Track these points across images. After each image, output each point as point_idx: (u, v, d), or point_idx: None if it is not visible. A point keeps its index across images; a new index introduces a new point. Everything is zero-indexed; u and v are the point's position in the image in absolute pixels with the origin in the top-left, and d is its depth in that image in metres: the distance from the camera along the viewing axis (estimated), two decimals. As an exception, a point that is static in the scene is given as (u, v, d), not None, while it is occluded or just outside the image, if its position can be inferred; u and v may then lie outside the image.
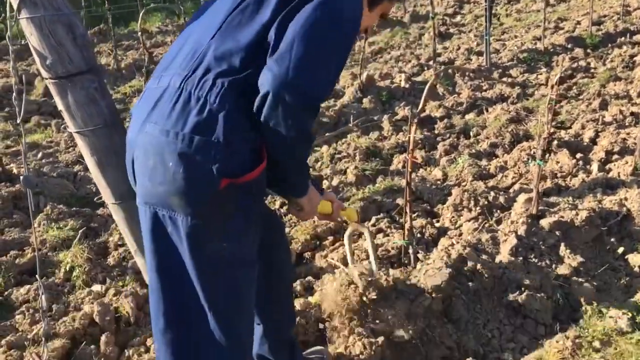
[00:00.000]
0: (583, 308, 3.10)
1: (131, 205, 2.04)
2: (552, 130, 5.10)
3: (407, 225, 3.03)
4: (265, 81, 1.55)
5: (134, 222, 2.06)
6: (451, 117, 6.11)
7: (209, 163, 1.59)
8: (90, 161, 2.00)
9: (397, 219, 4.02)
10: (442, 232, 3.81)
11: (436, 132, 5.76)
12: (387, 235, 3.79)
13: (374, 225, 3.90)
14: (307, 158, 1.84)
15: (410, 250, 3.08)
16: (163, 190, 1.64)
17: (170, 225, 1.70)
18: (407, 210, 3.01)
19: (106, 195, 2.05)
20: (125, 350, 2.81)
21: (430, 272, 2.93)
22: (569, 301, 3.18)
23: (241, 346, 1.94)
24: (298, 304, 2.94)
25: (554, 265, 3.39)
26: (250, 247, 1.85)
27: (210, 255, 1.72)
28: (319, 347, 2.62)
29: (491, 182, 4.48)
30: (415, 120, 2.82)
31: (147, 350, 2.78)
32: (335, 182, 4.68)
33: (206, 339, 1.82)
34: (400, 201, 4.15)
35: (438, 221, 4.01)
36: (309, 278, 3.34)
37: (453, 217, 3.91)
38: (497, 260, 3.37)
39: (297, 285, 3.20)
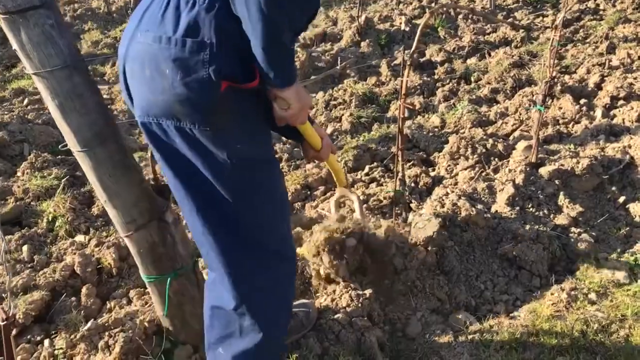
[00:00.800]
0: (580, 259, 3.00)
1: (98, 153, 1.92)
2: (555, 74, 4.90)
3: (399, 175, 2.89)
4: None
5: (102, 170, 1.93)
6: (452, 61, 5.89)
7: (205, 66, 1.52)
8: (51, 105, 1.85)
9: (392, 167, 3.89)
10: (437, 181, 3.68)
11: (436, 77, 5.55)
12: (381, 185, 3.67)
13: (367, 174, 3.77)
14: (288, 35, 1.54)
15: (402, 201, 2.96)
16: (164, 99, 1.58)
17: (177, 136, 1.64)
18: (399, 159, 2.87)
19: (71, 142, 1.91)
20: (107, 302, 2.74)
21: (420, 224, 2.82)
22: (566, 252, 3.08)
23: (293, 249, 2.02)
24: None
25: (552, 215, 3.27)
26: (270, 145, 1.85)
27: (229, 160, 1.67)
28: (304, 300, 2.53)
29: (490, 129, 4.32)
30: (409, 64, 2.65)
31: (129, 302, 2.71)
32: (329, 129, 4.53)
33: (265, 250, 1.86)
34: (395, 149, 4.01)
35: (434, 170, 3.87)
36: (298, 229, 3.23)
37: (449, 165, 3.77)
38: (492, 210, 3.25)
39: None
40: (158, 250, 2.12)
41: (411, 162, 3.90)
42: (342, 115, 4.71)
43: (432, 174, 3.78)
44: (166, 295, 2.17)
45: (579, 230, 3.18)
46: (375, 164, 3.89)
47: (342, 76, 5.71)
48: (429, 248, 2.78)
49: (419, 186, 3.58)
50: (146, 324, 2.31)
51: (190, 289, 2.25)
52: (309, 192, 3.61)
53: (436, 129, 4.42)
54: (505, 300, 2.82)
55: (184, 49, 1.50)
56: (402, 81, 2.65)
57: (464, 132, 4.24)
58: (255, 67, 1.57)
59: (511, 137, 4.13)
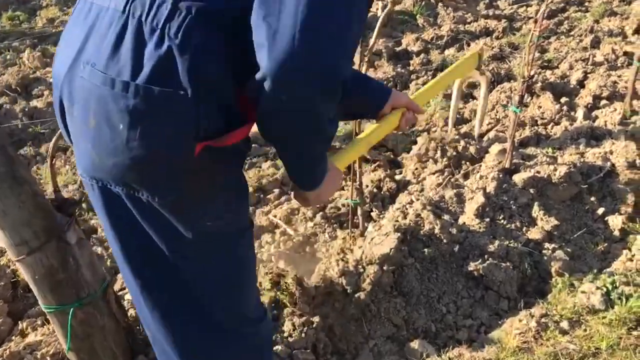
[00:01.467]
0: (553, 280, 2.73)
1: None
2: (535, 71, 4.61)
3: (356, 183, 2.59)
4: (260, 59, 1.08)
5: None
6: (429, 52, 5.57)
7: (177, 123, 1.14)
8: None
9: (355, 169, 3.57)
10: (403, 186, 3.38)
11: (411, 68, 5.23)
12: (342, 189, 3.36)
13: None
14: (326, 149, 1.33)
15: (359, 212, 2.66)
16: (115, 162, 1.19)
17: (129, 204, 1.28)
18: (357, 167, 2.56)
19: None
20: (20, 322, 2.41)
21: (377, 239, 2.52)
22: (538, 271, 2.81)
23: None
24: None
25: (524, 229, 2.99)
26: (247, 208, 1.48)
27: (196, 236, 1.31)
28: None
29: (464, 128, 4.02)
30: (367, 59, 2.33)
31: (45, 323, 2.38)
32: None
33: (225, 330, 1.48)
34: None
35: (401, 173, 3.57)
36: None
37: (416, 169, 3.47)
38: (460, 221, 2.96)
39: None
40: (57, 276, 1.80)
41: (376, 164, 3.60)
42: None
43: (397, 177, 3.48)
44: (68, 327, 1.86)
45: (553, 245, 2.91)
46: (337, 164, 3.56)
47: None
48: (385, 267, 2.49)
49: (382, 192, 3.28)
50: (48, 358, 1.99)
51: (100, 319, 1.94)
52: (261, 196, 3.29)
53: (406, 128, 4.09)
54: (469, 325, 2.55)
55: (147, 100, 1.11)
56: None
57: (435, 131, 3.94)
58: (241, 112, 1.22)
59: (486, 138, 3.83)
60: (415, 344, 2.37)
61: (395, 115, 1.70)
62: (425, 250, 2.68)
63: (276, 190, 3.31)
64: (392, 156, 3.76)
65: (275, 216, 3.00)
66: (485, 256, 2.74)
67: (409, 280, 2.56)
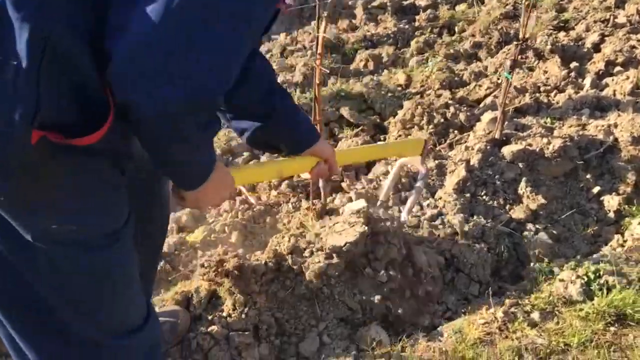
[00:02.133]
0: (530, 265, 2.51)
1: None
2: (546, 32, 4.26)
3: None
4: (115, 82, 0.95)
5: None
6: (438, 7, 5.22)
7: (6, 103, 0.92)
8: None
9: (336, 133, 3.35)
10: (384, 153, 3.15)
11: (416, 24, 4.91)
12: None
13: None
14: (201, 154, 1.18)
15: (321, 184, 2.45)
16: None
17: None
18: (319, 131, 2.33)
19: None
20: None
21: (339, 226, 2.30)
22: (517, 254, 2.59)
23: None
24: (171, 240, 2.38)
25: (507, 206, 2.76)
26: (116, 214, 1.21)
27: (38, 244, 1.10)
28: (173, 307, 2.07)
29: (460, 92, 3.74)
30: (325, 14, 2.09)
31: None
32: (280, 79, 3.97)
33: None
34: (345, 111, 3.46)
35: (384, 139, 3.33)
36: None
37: (400, 135, 3.23)
38: (437, 196, 2.74)
39: (184, 216, 2.61)
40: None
41: (360, 128, 3.36)
42: (297, 64, 4.12)
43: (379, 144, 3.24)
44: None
45: (537, 226, 2.68)
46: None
47: (313, 16, 5.06)
48: (340, 260, 2.28)
49: (359, 160, 3.05)
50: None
51: None
52: (230, 159, 3.10)
53: (399, 88, 3.84)
54: (433, 311, 2.36)
55: None
56: (317, 37, 2.08)
57: (429, 94, 3.67)
58: (101, 107, 1.00)
59: (482, 104, 3.55)
60: (369, 329, 2.19)
61: (310, 162, 1.70)
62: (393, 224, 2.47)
63: (245, 154, 3.11)
64: (378, 120, 3.51)
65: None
66: (458, 236, 2.53)
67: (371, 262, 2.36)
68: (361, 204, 2.43)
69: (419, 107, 3.23)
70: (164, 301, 2.11)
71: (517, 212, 2.71)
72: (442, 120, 3.20)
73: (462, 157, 2.91)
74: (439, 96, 3.61)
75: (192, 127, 1.03)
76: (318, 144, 1.66)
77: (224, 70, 0.98)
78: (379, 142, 2.37)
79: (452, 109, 3.25)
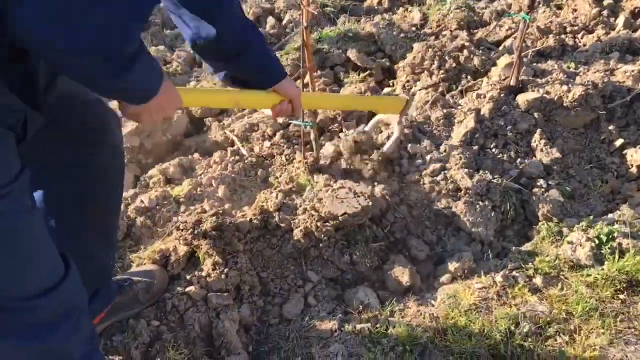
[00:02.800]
0: (539, 225, 2.34)
1: None
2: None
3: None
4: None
5: None
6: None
7: None
8: None
9: (342, 78, 3.15)
10: (390, 101, 2.95)
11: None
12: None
13: (305, 86, 3.04)
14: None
15: (312, 136, 2.29)
16: None
17: None
18: (309, 80, 2.15)
19: None
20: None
21: (341, 193, 2.15)
22: (525, 212, 2.41)
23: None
24: (154, 193, 2.28)
25: (519, 160, 2.56)
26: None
27: None
28: (149, 267, 1.98)
29: (479, 34, 3.47)
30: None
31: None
32: (285, 20, 3.74)
33: None
34: (353, 54, 3.24)
35: (392, 85, 3.12)
36: (196, 156, 2.62)
37: (408, 81, 3.02)
38: (442, 148, 2.55)
39: (172, 167, 2.49)
40: None
41: (367, 72, 3.15)
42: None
43: (385, 91, 3.04)
44: None
45: (549, 182, 2.48)
46: (319, 73, 3.14)
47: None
48: (337, 231, 2.14)
49: (362, 108, 2.86)
50: None
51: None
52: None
53: (413, 28, 3.58)
54: (428, 274, 2.23)
55: None
56: (303, -24, 1.88)
57: (445, 36, 3.41)
58: None
59: (502, 47, 3.29)
60: (358, 292, 2.08)
61: (273, 99, 1.66)
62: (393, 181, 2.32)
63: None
64: (388, 64, 3.28)
65: (232, 131, 2.67)
66: (461, 192, 2.36)
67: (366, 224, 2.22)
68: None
69: (430, 50, 3.00)
70: (142, 259, 2.02)
71: (529, 167, 2.51)
72: (454, 64, 2.96)
73: (472, 106, 2.70)
74: (455, 37, 3.35)
75: (117, 62, 0.98)
76: (285, 82, 1.64)
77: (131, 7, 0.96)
78: (358, 96, 2.22)
79: (465, 53, 3.00)
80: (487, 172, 2.44)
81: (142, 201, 2.20)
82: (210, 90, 1.64)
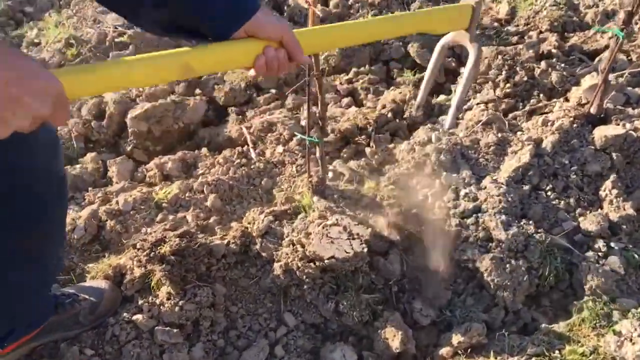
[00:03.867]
0: (583, 300, 1.86)
1: None
2: None
3: (312, 112, 1.85)
4: None
5: None
6: None
7: None
8: None
9: (394, 75, 2.74)
10: (440, 111, 2.51)
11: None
12: (361, 105, 2.59)
13: (350, 81, 2.67)
14: None
15: (317, 153, 1.93)
16: None
17: None
18: (317, 88, 1.79)
19: None
20: None
21: (334, 231, 1.80)
22: (570, 279, 1.94)
23: None
24: (131, 194, 2.04)
25: (578, 211, 2.07)
26: None
27: None
28: (100, 282, 1.75)
29: (574, 39, 2.89)
30: None
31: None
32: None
33: None
34: (412, 48, 2.81)
35: (450, 93, 2.66)
36: (204, 151, 2.35)
37: (469, 92, 2.55)
38: (483, 183, 2.11)
39: (170, 162, 2.24)
40: None
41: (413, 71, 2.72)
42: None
43: (440, 99, 2.59)
44: None
45: (612, 245, 1.98)
46: (367, 67, 2.74)
47: None
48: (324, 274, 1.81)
49: (398, 119, 2.45)
50: None
51: None
52: (253, 95, 2.63)
53: (495, 24, 3.05)
54: (429, 342, 1.84)
55: None
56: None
57: (531, 37, 2.88)
58: None
59: (597, 60, 2.71)
60: (333, 349, 1.75)
61: (251, 47, 1.07)
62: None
63: (273, 91, 2.63)
64: (453, 64, 2.82)
65: (249, 128, 2.36)
66: (492, 244, 1.93)
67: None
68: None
69: (500, 56, 2.50)
70: (98, 272, 1.80)
71: (589, 221, 2.01)
72: (525, 77, 2.46)
73: (534, 134, 2.21)
74: (542, 41, 2.81)
75: None
76: (261, 14, 1.05)
77: None
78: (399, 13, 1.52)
79: (543, 65, 2.47)
80: (531, 222, 1.98)
81: (117, 202, 1.97)
82: (126, 62, 0.98)
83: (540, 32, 2.97)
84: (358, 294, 1.81)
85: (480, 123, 2.28)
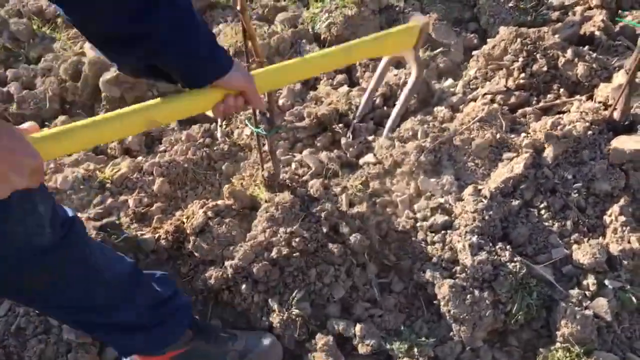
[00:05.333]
0: (555, 346, 1.59)
1: None
2: None
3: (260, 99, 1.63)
4: None
5: None
6: None
7: None
8: None
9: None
10: (437, 102, 2.21)
11: None
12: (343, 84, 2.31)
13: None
14: None
15: (267, 147, 1.72)
16: None
17: None
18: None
19: None
20: None
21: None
22: (547, 316, 1.66)
23: None
24: (76, 172, 1.91)
25: (573, 236, 1.76)
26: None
27: None
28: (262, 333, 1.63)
29: (628, 18, 2.45)
30: None
31: None
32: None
33: None
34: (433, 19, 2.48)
35: (449, 78, 2.33)
36: (173, 124, 2.17)
37: (476, 77, 2.22)
38: (464, 192, 1.82)
39: (131, 136, 2.09)
40: None
41: (439, 50, 2.39)
42: None
43: (440, 85, 2.28)
44: None
45: (607, 282, 1.68)
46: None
47: None
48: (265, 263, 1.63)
49: (392, 99, 2.17)
50: None
51: None
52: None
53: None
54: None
55: None
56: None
57: (575, 13, 2.47)
58: None
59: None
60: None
61: (213, 96, 1.20)
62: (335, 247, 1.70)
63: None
64: (475, 40, 2.47)
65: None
66: (457, 267, 1.68)
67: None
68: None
69: (519, 39, 2.14)
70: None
71: (583, 251, 1.71)
72: (545, 67, 2.09)
73: (536, 139, 1.89)
74: (587, 19, 2.41)
75: None
76: (233, 74, 1.18)
77: None
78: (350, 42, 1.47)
79: (569, 54, 2.09)
80: (508, 246, 1.70)
81: (55, 180, 1.85)
82: (99, 121, 1.11)
83: (590, 7, 2.54)
84: (290, 309, 1.63)
85: (477, 119, 1.97)
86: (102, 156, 2.08)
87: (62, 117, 2.23)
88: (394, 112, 1.73)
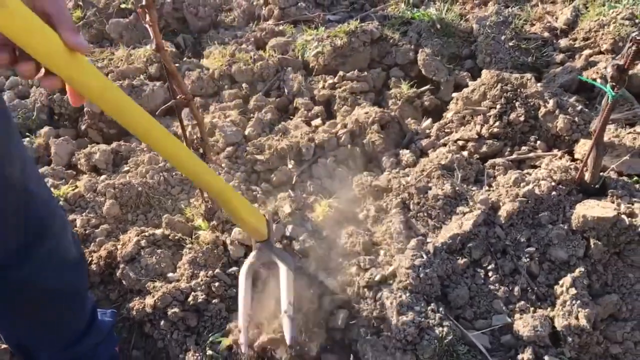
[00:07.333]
0: None
1: None
2: None
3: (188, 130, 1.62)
4: None
5: None
6: None
7: None
8: None
9: (389, 84, 2.36)
10: (408, 142, 2.12)
11: None
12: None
13: (335, 85, 2.35)
14: None
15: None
16: None
17: None
18: (197, 125, 1.55)
19: None
20: None
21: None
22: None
23: None
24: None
25: (519, 305, 1.64)
26: None
27: None
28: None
29: (638, 67, 2.28)
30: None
31: None
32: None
33: None
34: (422, 54, 2.39)
35: (440, 118, 2.24)
36: (143, 145, 2.20)
37: (451, 121, 2.12)
38: (408, 248, 1.74)
39: (98, 153, 2.12)
40: None
41: (427, 87, 2.31)
42: None
43: (416, 125, 2.19)
44: None
45: (545, 357, 1.56)
46: (355, 73, 2.38)
47: None
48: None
49: (364, 141, 2.10)
50: None
51: None
52: (226, 85, 2.40)
53: (545, 35, 2.50)
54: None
55: None
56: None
57: (581, 56, 2.33)
58: None
59: (649, 100, 2.11)
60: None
61: None
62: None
63: (244, 85, 2.37)
64: (467, 79, 2.37)
65: (194, 126, 2.16)
66: (383, 325, 1.60)
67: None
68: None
69: (500, 84, 2.02)
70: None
71: (524, 322, 1.59)
72: (523, 116, 1.97)
73: (493, 196, 1.78)
74: (592, 64, 2.26)
75: None
76: None
77: None
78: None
79: (550, 103, 1.96)
80: (441, 308, 1.61)
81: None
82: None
83: (601, 51, 2.38)
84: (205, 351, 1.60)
85: (438, 167, 1.88)
86: (71, 171, 2.13)
87: (46, 128, 2.30)
88: (285, 324, 1.38)
